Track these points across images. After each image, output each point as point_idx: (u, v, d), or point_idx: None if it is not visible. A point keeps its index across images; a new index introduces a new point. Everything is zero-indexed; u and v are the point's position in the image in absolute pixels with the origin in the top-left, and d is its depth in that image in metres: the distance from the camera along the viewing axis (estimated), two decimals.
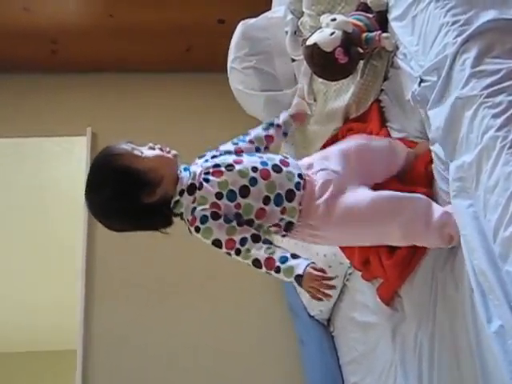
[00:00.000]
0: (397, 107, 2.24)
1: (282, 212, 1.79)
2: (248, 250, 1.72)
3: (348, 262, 2.60)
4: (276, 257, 1.69)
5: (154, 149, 1.83)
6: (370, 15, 2.30)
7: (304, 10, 2.80)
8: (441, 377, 1.90)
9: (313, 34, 2.27)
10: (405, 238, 1.89)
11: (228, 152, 1.90)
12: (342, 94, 2.54)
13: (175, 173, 1.81)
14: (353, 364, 2.81)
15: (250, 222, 1.77)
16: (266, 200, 1.77)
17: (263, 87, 3.05)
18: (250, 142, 1.96)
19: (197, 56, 4.06)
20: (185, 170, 1.83)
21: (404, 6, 2.11)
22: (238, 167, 1.79)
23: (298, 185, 1.80)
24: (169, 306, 3.42)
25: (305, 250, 2.86)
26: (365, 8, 2.34)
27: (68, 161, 4.33)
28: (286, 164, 1.84)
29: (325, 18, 2.29)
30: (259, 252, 1.71)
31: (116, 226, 1.83)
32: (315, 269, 1.66)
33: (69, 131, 3.95)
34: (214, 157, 1.87)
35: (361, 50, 2.20)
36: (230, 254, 1.76)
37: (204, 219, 1.74)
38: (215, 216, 1.73)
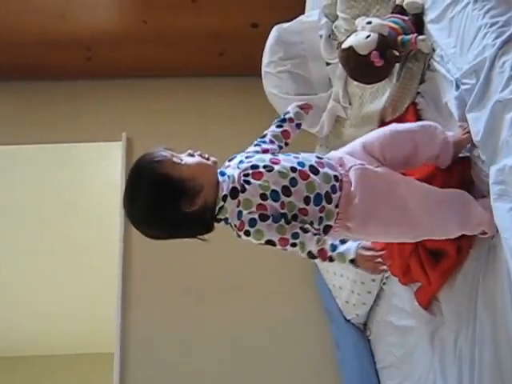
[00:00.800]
0: (433, 110, 2.22)
1: (321, 211, 1.78)
2: (302, 244, 1.72)
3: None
4: (327, 247, 1.69)
5: (193, 155, 1.81)
6: (406, 18, 2.29)
7: (338, 13, 2.80)
8: (482, 381, 1.87)
9: (348, 37, 2.27)
10: (440, 237, 1.93)
11: (257, 152, 1.89)
12: (377, 97, 2.53)
13: (215, 179, 1.79)
14: (390, 368, 2.78)
15: (295, 218, 1.76)
16: (307, 200, 1.76)
17: (298, 91, 3.05)
18: (271, 141, 1.94)
19: (230, 60, 4.07)
20: (221, 174, 1.82)
21: (441, 8, 2.10)
22: (276, 168, 1.77)
23: (333, 187, 1.79)
24: (205, 310, 3.43)
25: None
26: (400, 10, 2.33)
27: (104, 166, 4.37)
28: (322, 165, 1.82)
29: (360, 21, 2.29)
30: (311, 243, 1.71)
31: (153, 233, 1.82)
32: (365, 248, 1.66)
33: (104, 137, 3.99)
34: (247, 157, 1.84)
35: (396, 53, 2.19)
36: (285, 249, 1.76)
37: (253, 222, 1.73)
38: (264, 217, 1.73)
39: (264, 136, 1.96)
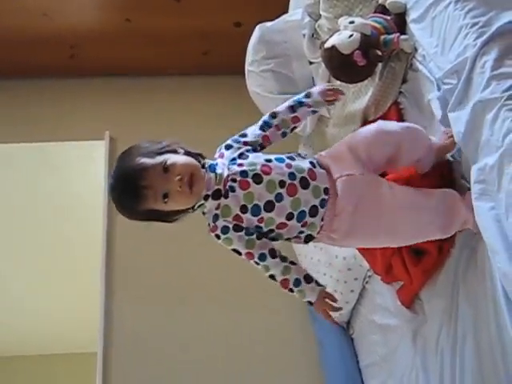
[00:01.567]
0: (416, 109, 2.23)
1: (303, 225, 1.79)
2: (266, 267, 1.78)
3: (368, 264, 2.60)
4: (291, 279, 1.78)
5: (176, 151, 1.78)
6: (388, 17, 2.29)
7: (321, 12, 2.80)
8: (463, 381, 1.88)
9: (331, 36, 2.27)
10: (423, 239, 1.93)
11: (254, 147, 1.84)
12: (360, 97, 2.54)
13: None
14: (373, 367, 2.79)
15: (270, 232, 1.79)
16: (289, 216, 1.76)
17: (281, 90, 3.05)
18: (277, 127, 1.88)
19: (214, 59, 4.07)
20: (210, 168, 1.78)
21: (423, 7, 2.11)
22: (265, 179, 1.74)
23: (322, 201, 1.77)
24: (189, 310, 3.42)
25: (324, 253, 2.87)
26: (383, 10, 2.33)
27: (86, 165, 4.35)
28: (314, 177, 1.79)
29: (343, 21, 2.29)
30: (276, 270, 1.78)
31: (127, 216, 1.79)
32: (325, 297, 1.79)
33: (87, 135, 3.97)
34: (241, 155, 1.80)
35: (379, 53, 2.19)
36: (249, 261, 1.81)
37: (225, 230, 1.74)
38: (237, 228, 1.74)
39: (275, 116, 1.90)
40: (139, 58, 4.06)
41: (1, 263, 4.95)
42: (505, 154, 1.56)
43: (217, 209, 1.74)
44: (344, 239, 1.83)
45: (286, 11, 3.35)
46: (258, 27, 3.17)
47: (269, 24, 3.18)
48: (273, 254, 1.78)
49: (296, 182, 1.76)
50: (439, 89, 1.94)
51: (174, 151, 1.78)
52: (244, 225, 1.74)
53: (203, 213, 1.79)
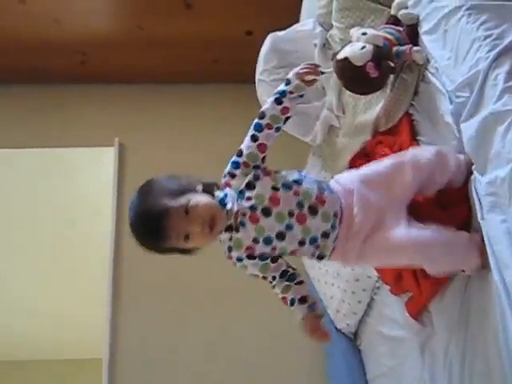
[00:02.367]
0: (427, 121, 2.22)
1: (316, 248, 1.83)
2: (274, 286, 1.86)
3: (376, 275, 2.59)
4: (288, 297, 1.85)
5: (195, 189, 1.78)
6: (401, 28, 2.28)
7: (333, 22, 2.80)
8: None
9: (343, 47, 2.27)
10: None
11: (256, 165, 1.82)
12: (371, 107, 2.53)
13: None
14: (381, 378, 2.77)
15: (283, 255, 1.85)
16: (301, 242, 1.80)
17: None
18: (268, 126, 1.84)
19: (224, 67, 4.09)
20: (220, 202, 1.79)
21: (435, 19, 2.10)
22: (274, 212, 1.76)
23: (333, 225, 1.80)
24: (195, 317, 3.42)
25: (331, 264, 2.86)
26: (395, 21, 2.32)
27: (96, 171, 4.36)
28: (323, 202, 1.79)
29: (355, 32, 2.28)
30: (278, 288, 1.86)
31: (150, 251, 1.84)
32: (310, 319, 1.82)
33: (97, 142, 3.99)
34: (248, 186, 1.79)
35: (392, 64, 2.18)
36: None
37: (240, 258, 1.81)
38: (250, 257, 1.80)
39: (263, 116, 1.86)
40: (150, 65, 4.08)
41: (1, 263, 4.96)
42: None
43: (230, 240, 1.79)
44: (354, 262, 1.92)
45: (297, 21, 3.36)
46: (269, 36, 3.18)
47: (280, 33, 3.18)
48: (283, 274, 1.85)
49: (305, 211, 1.79)
50: (451, 102, 1.94)
51: (193, 189, 1.79)
52: (256, 254, 1.79)
53: (220, 240, 1.83)
